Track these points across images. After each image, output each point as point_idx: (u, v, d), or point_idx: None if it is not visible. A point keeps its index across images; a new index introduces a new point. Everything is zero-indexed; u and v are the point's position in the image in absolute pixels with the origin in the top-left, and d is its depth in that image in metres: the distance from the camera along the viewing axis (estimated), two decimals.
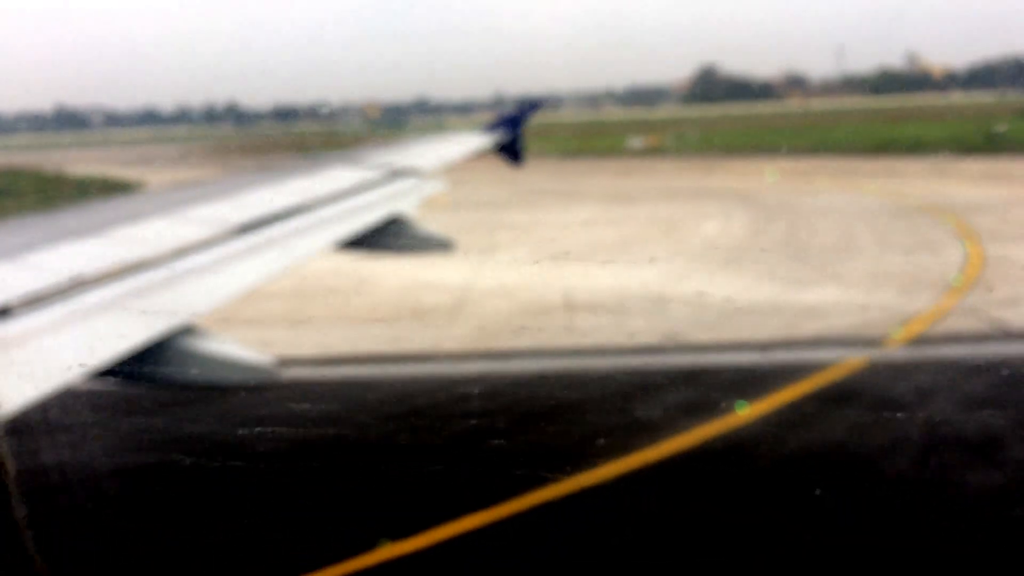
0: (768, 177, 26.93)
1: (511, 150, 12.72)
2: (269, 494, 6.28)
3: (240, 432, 7.25)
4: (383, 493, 6.26)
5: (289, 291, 12.26)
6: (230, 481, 6.39)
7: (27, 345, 3.19)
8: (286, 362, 9.17)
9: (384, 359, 9.80)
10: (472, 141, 11.95)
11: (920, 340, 9.68)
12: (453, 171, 9.83)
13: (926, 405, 7.70)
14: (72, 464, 6.57)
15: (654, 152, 37.17)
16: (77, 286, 3.75)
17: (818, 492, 6.09)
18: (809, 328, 10.26)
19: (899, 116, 42.77)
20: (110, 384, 4.01)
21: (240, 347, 4.12)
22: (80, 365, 3.19)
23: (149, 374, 3.68)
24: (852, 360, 9.05)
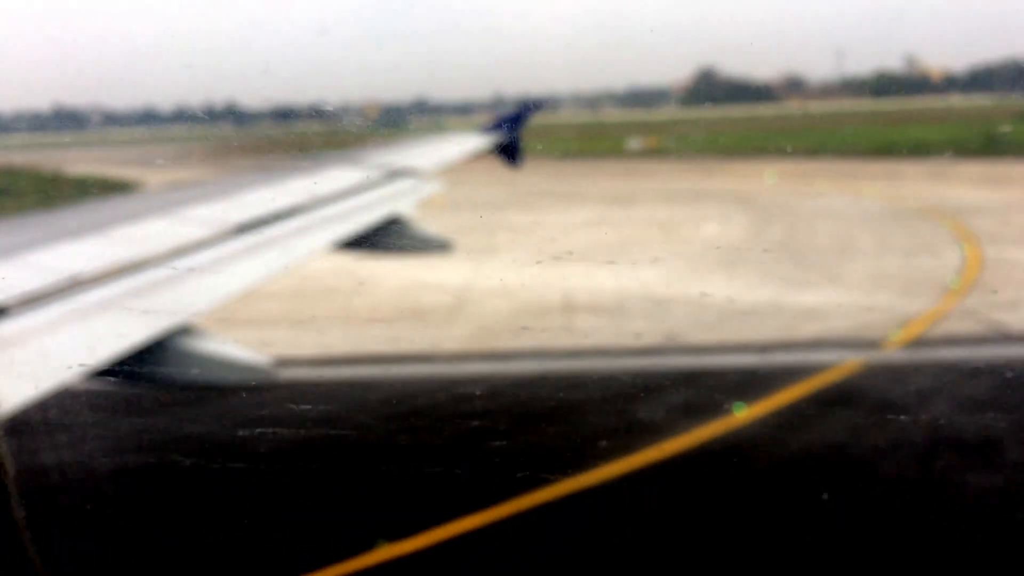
0: (767, 179, 26.93)
1: (510, 151, 12.71)
2: (266, 494, 6.27)
3: (237, 432, 7.24)
4: (381, 494, 6.25)
5: (288, 291, 12.25)
6: (227, 481, 6.38)
7: (25, 345, 3.18)
8: (284, 362, 9.16)
9: (383, 359, 9.79)
10: (471, 142, 11.94)
11: (918, 342, 9.68)
12: (452, 172, 9.83)
13: (923, 407, 7.70)
14: (69, 464, 6.56)
15: (653, 154, 37.17)
16: (75, 286, 3.75)
17: (815, 494, 6.09)
18: (808, 330, 10.26)
19: (898, 119, 42.77)
20: (108, 384, 4.00)
21: (238, 347, 4.11)
22: (78, 365, 3.18)
23: (147, 374, 3.67)
24: (851, 362, 9.05)
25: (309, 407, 7.85)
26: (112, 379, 3.58)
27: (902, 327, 10.07)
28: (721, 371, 9.07)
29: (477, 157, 11.73)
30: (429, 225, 7.53)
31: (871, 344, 9.77)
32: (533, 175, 24.99)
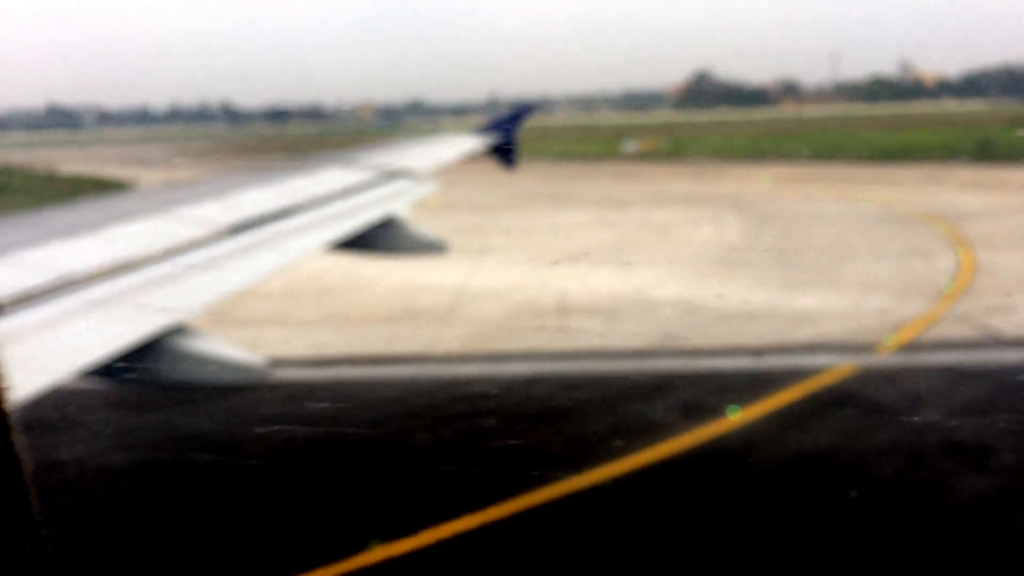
0: (761, 183, 26.99)
1: (505, 153, 12.71)
2: (262, 494, 6.26)
3: (232, 432, 7.23)
4: (377, 493, 6.24)
5: (282, 291, 12.24)
6: (223, 481, 6.37)
7: (17, 343, 3.17)
8: (278, 363, 9.14)
9: (378, 360, 9.77)
10: (466, 143, 11.94)
11: (912, 346, 9.70)
12: (447, 173, 9.82)
13: (916, 411, 7.72)
14: (63, 463, 6.54)
15: (648, 156, 37.24)
16: (68, 285, 3.73)
17: (809, 495, 6.11)
18: (802, 333, 10.27)
19: (893, 123, 42.94)
20: (102, 383, 3.99)
21: (232, 347, 4.10)
22: (71, 364, 3.17)
23: (141, 374, 3.66)
24: (844, 365, 9.07)
25: (303, 407, 7.84)
26: (106, 379, 3.56)
27: (896, 331, 10.09)
28: (714, 374, 9.08)
29: (472, 158, 11.73)
30: (423, 226, 7.52)
31: (865, 348, 9.79)
32: (528, 177, 25.03)
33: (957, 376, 8.64)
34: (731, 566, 5.40)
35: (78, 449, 7.00)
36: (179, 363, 3.79)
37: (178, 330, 3.86)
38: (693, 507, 6.06)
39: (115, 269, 4.07)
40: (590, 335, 10.48)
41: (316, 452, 6.86)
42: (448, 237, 7.66)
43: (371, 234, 6.62)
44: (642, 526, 5.84)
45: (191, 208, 5.62)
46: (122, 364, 3.50)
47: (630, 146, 38.76)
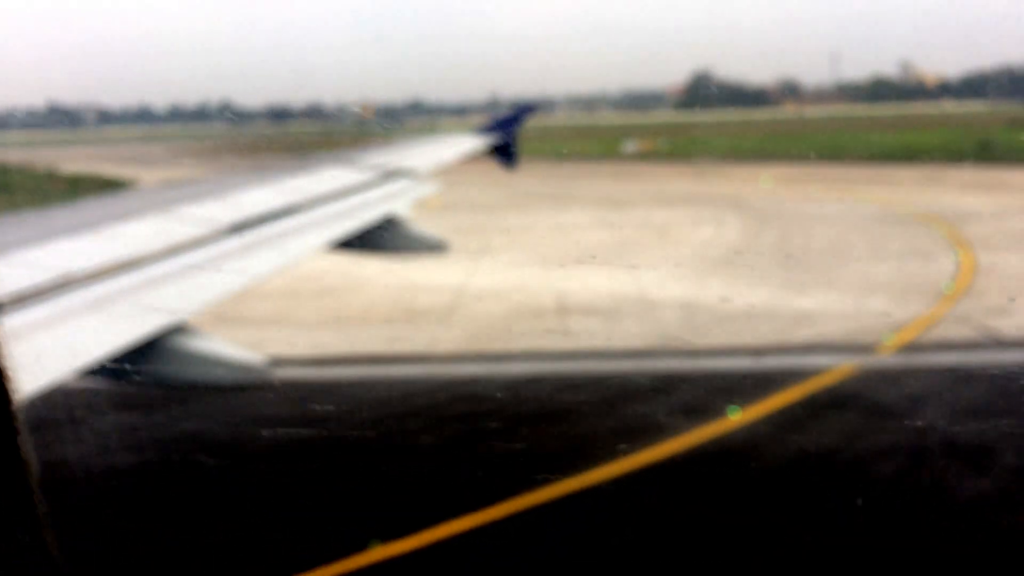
0: (762, 183, 26.99)
1: (505, 153, 12.71)
2: (261, 493, 6.25)
3: (231, 431, 7.23)
4: (376, 493, 6.24)
5: (282, 291, 12.23)
6: (222, 480, 6.36)
7: (17, 343, 3.16)
8: (278, 362, 9.14)
9: (378, 360, 9.77)
10: (466, 143, 11.94)
11: (912, 347, 9.70)
12: (447, 173, 9.82)
13: (915, 411, 7.72)
14: (62, 462, 6.53)
15: (648, 157, 37.23)
16: (68, 284, 3.73)
17: (808, 495, 6.10)
18: (802, 334, 10.27)
19: (893, 124, 42.93)
20: (101, 382, 3.98)
21: (232, 346, 4.10)
22: (71, 363, 3.16)
23: (141, 373, 3.66)
24: (845, 366, 9.06)
25: (303, 407, 7.84)
26: (106, 378, 3.56)
27: (896, 332, 10.09)
28: (715, 374, 9.08)
29: (473, 158, 11.73)
30: (424, 226, 7.52)
31: (865, 348, 9.78)
32: (528, 177, 25.03)
33: (957, 377, 8.64)
34: (731, 566, 5.40)
35: (77, 448, 7.00)
36: (179, 362, 3.78)
37: (178, 329, 3.85)
38: (693, 507, 6.05)
39: (115, 268, 4.06)
40: (590, 335, 10.48)
41: (316, 452, 6.86)
42: (448, 237, 7.65)
43: (371, 234, 6.61)
44: (642, 526, 5.84)
45: (191, 207, 5.61)
46: (122, 363, 3.50)
47: (630, 146, 38.75)
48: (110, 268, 4.05)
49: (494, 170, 13.10)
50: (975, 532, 5.63)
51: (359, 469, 6.55)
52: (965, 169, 26.72)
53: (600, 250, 16.25)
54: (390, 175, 8.26)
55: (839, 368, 8.98)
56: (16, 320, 3.31)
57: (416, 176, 8.68)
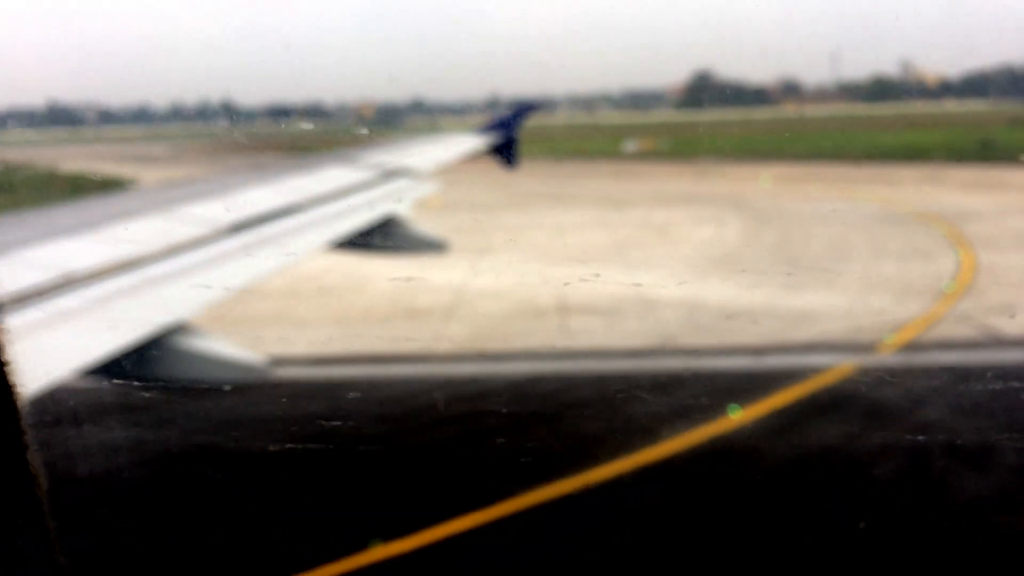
0: (762, 183, 26.98)
1: (505, 152, 12.71)
2: (263, 493, 6.25)
3: (232, 431, 7.22)
4: (377, 492, 6.24)
5: (283, 290, 12.23)
6: (223, 480, 6.36)
7: (18, 342, 3.16)
8: (279, 361, 9.14)
9: (378, 359, 9.77)
10: (467, 143, 11.94)
11: (912, 346, 9.70)
12: (447, 172, 9.83)
13: (915, 411, 7.72)
14: (62, 462, 6.53)
15: (648, 156, 37.22)
16: (69, 283, 3.73)
17: (808, 493, 6.10)
18: (802, 333, 10.27)
19: (893, 123, 42.90)
20: (103, 382, 3.99)
21: (233, 346, 4.10)
22: (72, 363, 3.17)
23: (142, 372, 3.66)
24: (845, 365, 9.06)
25: (303, 406, 7.84)
26: (107, 377, 3.56)
27: (896, 331, 10.09)
28: (715, 373, 9.08)
29: (473, 158, 11.73)
30: (424, 225, 7.53)
31: (865, 348, 9.78)
32: (528, 176, 25.03)
33: (957, 376, 8.63)
34: (731, 565, 5.40)
35: (77, 448, 7.00)
36: (180, 362, 3.79)
37: (179, 329, 3.86)
38: (693, 506, 6.05)
39: (116, 268, 4.07)
40: (590, 334, 10.48)
41: (316, 451, 6.86)
42: (448, 237, 7.66)
43: (372, 233, 6.62)
44: (642, 526, 5.84)
45: (192, 207, 5.62)
46: (123, 363, 3.50)
47: (631, 146, 38.73)
48: (111, 268, 4.05)
49: (494, 170, 13.10)
50: (974, 532, 5.63)
51: (359, 468, 6.55)
52: (966, 168, 26.71)
53: (600, 250, 16.25)
54: (390, 174, 8.26)
55: (839, 367, 8.98)
56: (17, 319, 3.31)
57: (416, 176, 8.68)
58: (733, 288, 12.87)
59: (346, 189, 7.19)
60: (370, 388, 8.86)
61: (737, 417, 7.58)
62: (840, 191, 24.32)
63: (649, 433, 7.20)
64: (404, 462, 6.73)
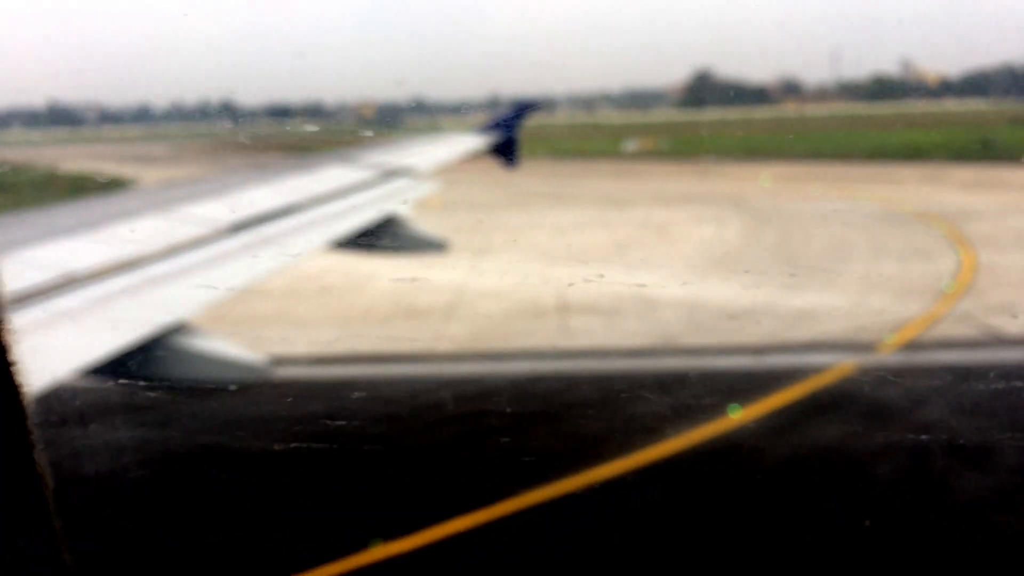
0: (762, 182, 26.97)
1: (506, 151, 12.70)
2: (263, 493, 6.26)
3: (233, 431, 7.22)
4: (378, 492, 6.24)
5: (283, 290, 12.23)
6: (224, 480, 6.36)
7: (19, 342, 3.16)
8: (279, 361, 9.14)
9: (378, 359, 9.77)
10: (467, 142, 11.93)
11: (912, 345, 9.70)
12: (447, 172, 9.82)
13: (915, 410, 7.72)
14: (62, 463, 6.53)
15: (649, 155, 37.20)
16: (70, 283, 3.73)
17: (808, 493, 6.10)
18: (802, 333, 10.27)
19: (894, 122, 42.89)
20: (103, 382, 3.99)
21: (233, 346, 4.10)
22: (72, 363, 3.17)
23: (142, 372, 3.66)
24: (845, 365, 9.06)
25: (304, 405, 7.84)
26: (107, 377, 3.56)
27: (896, 331, 10.09)
28: (715, 373, 9.08)
29: (473, 157, 11.73)
30: (425, 225, 7.53)
31: (866, 347, 9.78)
32: (528, 176, 25.02)
33: (957, 376, 8.63)
34: (732, 565, 5.40)
35: (78, 448, 7.00)
36: (181, 362, 3.79)
37: (179, 329, 3.86)
38: (694, 506, 6.05)
39: (117, 268, 4.07)
40: (590, 334, 10.48)
41: (316, 451, 6.86)
42: (449, 236, 7.66)
43: (372, 233, 6.62)
44: (643, 525, 5.84)
45: (192, 207, 5.62)
46: (124, 363, 3.50)
47: (631, 145, 38.72)
48: (111, 267, 4.06)
49: (495, 169, 13.10)
50: (975, 532, 5.63)
51: (360, 468, 6.55)
52: (966, 168, 26.70)
53: (600, 249, 16.24)
54: (390, 174, 8.26)
55: (840, 367, 8.98)
56: (18, 320, 3.31)
57: (416, 175, 8.68)
58: (733, 288, 12.87)
59: (346, 189, 7.19)
60: (371, 388, 8.86)
61: (738, 417, 7.58)
62: (840, 190, 24.32)
63: (650, 433, 7.20)
64: (405, 462, 6.73)
